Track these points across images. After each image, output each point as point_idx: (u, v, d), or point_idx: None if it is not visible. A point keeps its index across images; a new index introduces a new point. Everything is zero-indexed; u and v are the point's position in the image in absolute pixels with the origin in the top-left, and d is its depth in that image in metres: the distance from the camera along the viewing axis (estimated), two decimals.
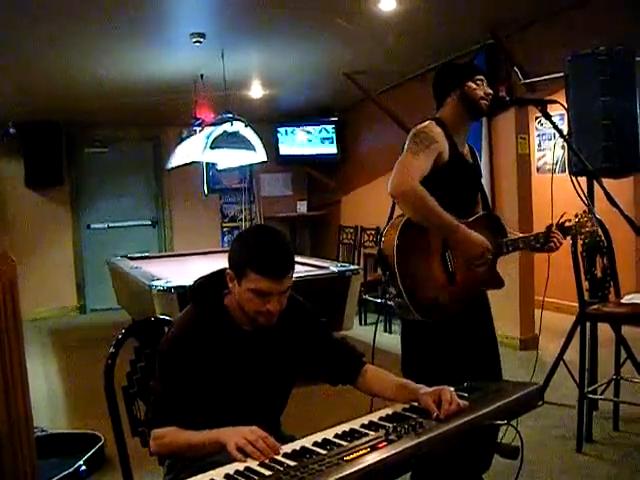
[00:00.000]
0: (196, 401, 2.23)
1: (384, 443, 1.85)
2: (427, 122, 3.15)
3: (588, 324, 4.32)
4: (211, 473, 1.80)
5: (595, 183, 3.54)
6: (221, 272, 2.34)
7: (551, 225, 3.38)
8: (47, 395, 5.91)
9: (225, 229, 10.68)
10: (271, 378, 2.39)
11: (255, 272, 2.17)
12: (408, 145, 3.05)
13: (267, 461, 1.83)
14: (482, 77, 3.19)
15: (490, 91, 3.19)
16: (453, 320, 3.05)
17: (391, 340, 7.16)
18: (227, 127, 6.43)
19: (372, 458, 1.76)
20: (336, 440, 1.94)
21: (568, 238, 3.51)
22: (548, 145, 8.45)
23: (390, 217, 3.16)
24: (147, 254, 8.80)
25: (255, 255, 2.20)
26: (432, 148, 3.02)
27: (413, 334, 3.21)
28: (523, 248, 3.36)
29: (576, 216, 3.46)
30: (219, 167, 8.63)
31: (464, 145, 3.27)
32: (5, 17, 5.03)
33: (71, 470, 3.95)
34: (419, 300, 2.95)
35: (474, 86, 3.15)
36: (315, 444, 1.93)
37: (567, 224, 3.42)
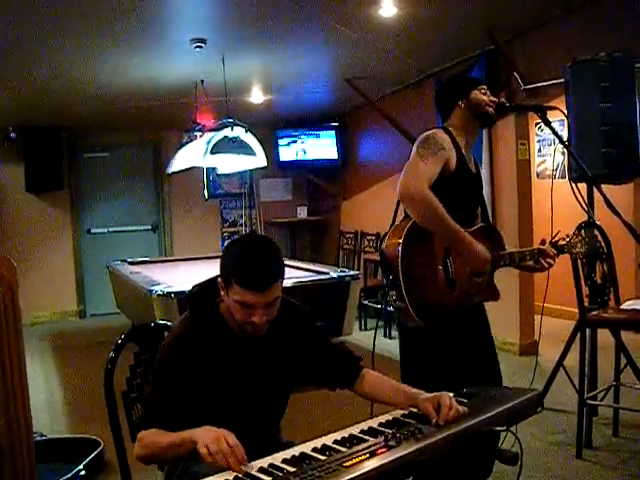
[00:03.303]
0: (189, 408, 2.22)
1: (383, 449, 1.85)
2: (434, 130, 3.15)
3: (588, 330, 4.32)
4: (210, 479, 1.80)
5: (595, 189, 3.55)
6: (217, 279, 2.33)
7: (544, 241, 3.39)
8: (46, 400, 5.91)
9: (225, 234, 10.68)
10: (268, 384, 2.39)
11: (238, 284, 2.16)
12: (416, 150, 3.03)
13: (266, 466, 1.83)
14: (485, 86, 3.23)
15: (494, 98, 3.21)
16: (452, 327, 3.05)
17: (391, 345, 7.17)
18: (228, 132, 6.43)
19: (371, 464, 1.76)
20: (335, 446, 1.94)
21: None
22: (548, 151, 8.45)
23: (394, 220, 3.15)
24: (147, 259, 8.81)
25: (238, 267, 2.19)
26: (440, 155, 3.02)
27: (412, 341, 3.22)
28: (519, 262, 3.35)
29: (567, 236, 3.46)
30: (219, 172, 8.65)
31: (470, 156, 3.28)
32: (5, 24, 5.03)
33: (70, 475, 3.94)
34: (420, 304, 2.94)
35: (479, 94, 3.18)
36: (314, 450, 1.92)
37: (560, 242, 3.43)
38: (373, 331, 3.33)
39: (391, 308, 3.10)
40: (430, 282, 2.99)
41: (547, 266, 3.34)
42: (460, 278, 3.05)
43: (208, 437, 1.93)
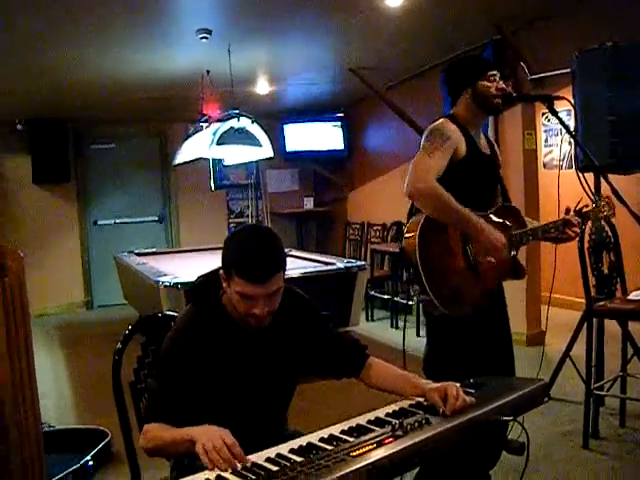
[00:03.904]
0: (194, 401, 2.23)
1: (390, 439, 1.86)
2: (441, 120, 3.15)
3: (595, 320, 4.32)
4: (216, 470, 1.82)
5: (602, 179, 3.53)
6: (219, 271, 2.32)
7: (568, 210, 3.38)
8: (54, 391, 5.93)
9: (232, 225, 10.68)
10: (274, 374, 2.39)
11: (238, 276, 2.16)
12: (423, 144, 3.05)
13: (273, 456, 1.84)
14: (495, 72, 3.19)
15: (503, 86, 3.18)
16: (476, 315, 3.06)
17: (397, 336, 7.18)
18: (234, 123, 6.43)
19: (378, 454, 1.77)
20: (342, 436, 1.95)
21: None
22: (555, 141, 8.43)
23: (409, 214, 3.16)
24: (154, 250, 8.81)
25: (238, 259, 2.18)
26: (447, 145, 3.02)
27: (439, 329, 3.23)
28: (542, 237, 3.34)
29: (593, 202, 3.45)
30: (226, 163, 8.65)
31: (480, 137, 3.28)
32: (11, 17, 5.03)
33: (78, 465, 3.96)
34: (444, 295, 2.96)
35: (487, 84, 3.15)
36: (321, 440, 1.93)
37: (585, 210, 3.41)
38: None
39: (414, 299, 3.10)
40: (451, 271, 3.01)
41: (573, 235, 3.34)
42: (482, 262, 3.06)
43: (206, 436, 1.92)
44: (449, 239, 3.02)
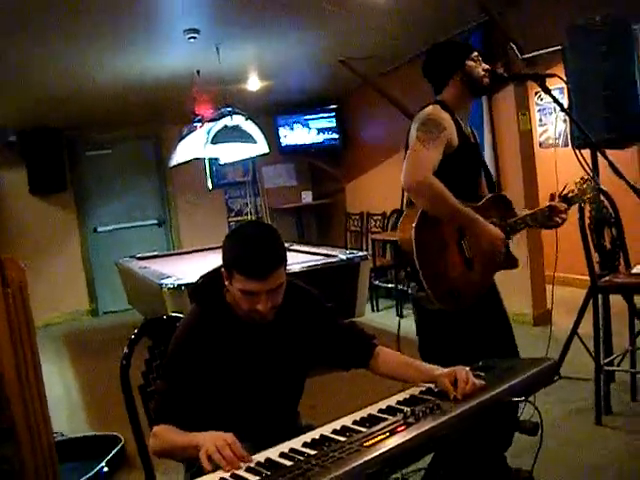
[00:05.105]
0: (202, 399, 2.23)
1: (403, 427, 1.85)
2: (432, 107, 3.09)
3: (600, 296, 4.31)
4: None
5: (599, 154, 3.52)
6: (220, 269, 2.32)
7: (553, 196, 3.36)
8: (65, 399, 5.94)
9: (232, 223, 10.66)
10: (283, 369, 2.39)
11: (239, 273, 2.16)
12: (417, 134, 2.98)
13: (287, 451, 1.84)
14: (477, 53, 3.18)
15: (488, 67, 3.17)
16: (469, 306, 3.05)
17: (404, 324, 7.17)
18: (227, 121, 6.43)
19: (392, 442, 1.77)
20: (355, 427, 1.95)
21: (574, 209, 3.47)
22: (549, 119, 8.41)
23: (401, 208, 3.14)
24: (155, 253, 8.79)
25: (238, 256, 2.19)
26: (442, 136, 2.97)
27: (431, 323, 3.20)
28: (532, 225, 3.33)
29: (575, 184, 3.44)
30: (222, 162, 8.63)
31: (467, 125, 3.25)
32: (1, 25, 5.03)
33: (93, 473, 3.96)
34: (442, 292, 2.94)
35: (474, 64, 3.13)
36: (334, 432, 1.93)
37: (570, 195, 3.40)
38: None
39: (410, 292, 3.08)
40: (448, 267, 2.99)
41: (560, 222, 3.31)
42: (477, 256, 3.04)
43: (210, 441, 1.91)
44: (444, 234, 2.99)
